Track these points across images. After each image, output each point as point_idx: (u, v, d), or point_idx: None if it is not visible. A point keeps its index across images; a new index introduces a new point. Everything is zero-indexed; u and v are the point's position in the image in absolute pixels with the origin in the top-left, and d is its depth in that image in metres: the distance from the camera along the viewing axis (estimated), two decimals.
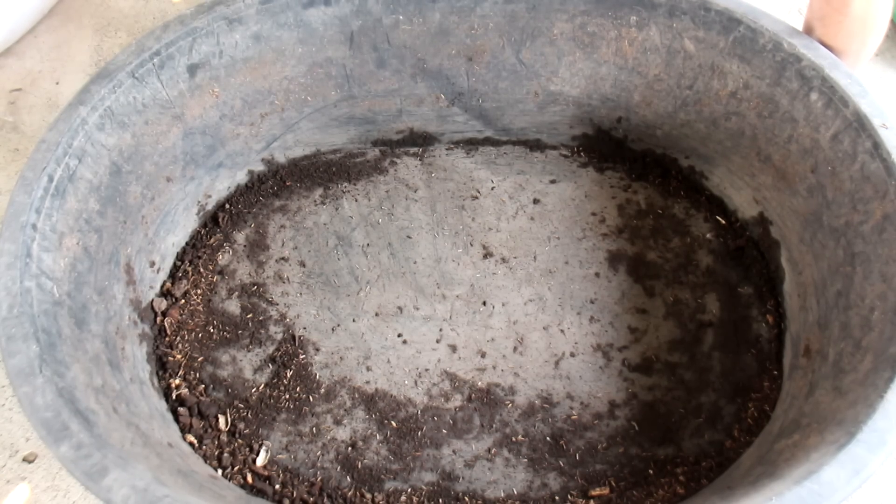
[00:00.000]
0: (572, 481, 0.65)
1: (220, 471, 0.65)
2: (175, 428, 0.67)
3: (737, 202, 0.80)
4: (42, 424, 0.51)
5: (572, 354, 0.73)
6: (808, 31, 0.71)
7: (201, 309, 0.75)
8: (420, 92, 0.85)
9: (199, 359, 0.72)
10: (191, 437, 0.66)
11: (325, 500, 0.64)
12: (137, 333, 0.69)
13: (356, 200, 0.83)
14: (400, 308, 0.76)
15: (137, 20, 1.06)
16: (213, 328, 0.74)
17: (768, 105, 0.72)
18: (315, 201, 0.83)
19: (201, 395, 0.69)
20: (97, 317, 0.64)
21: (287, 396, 0.70)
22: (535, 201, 0.84)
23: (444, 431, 0.68)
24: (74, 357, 0.58)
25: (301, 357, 0.72)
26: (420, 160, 0.87)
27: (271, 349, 0.73)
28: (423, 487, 0.65)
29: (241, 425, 0.68)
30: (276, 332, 0.74)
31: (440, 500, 0.64)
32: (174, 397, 0.69)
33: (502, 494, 0.65)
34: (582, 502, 0.64)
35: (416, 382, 0.71)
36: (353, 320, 0.75)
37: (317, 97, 0.81)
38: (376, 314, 0.75)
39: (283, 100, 0.80)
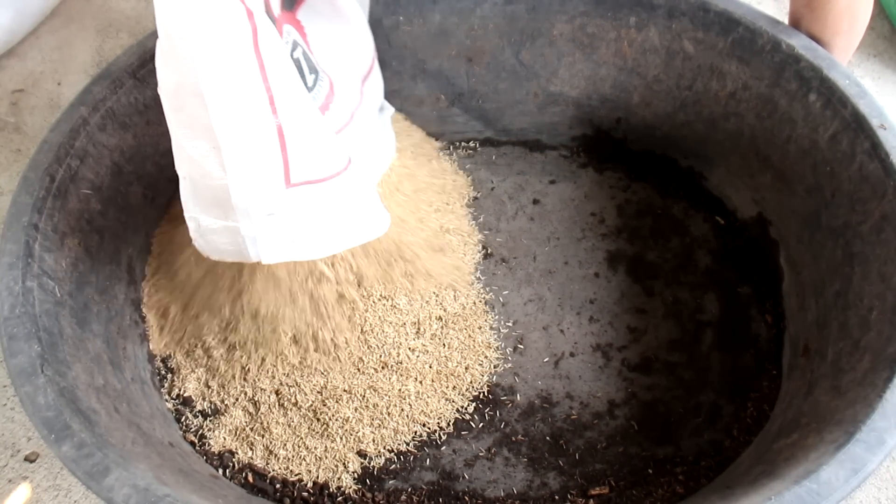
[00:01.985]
0: (572, 480, 0.65)
1: (220, 470, 0.65)
2: (176, 427, 0.67)
3: (736, 202, 0.81)
4: (43, 424, 0.51)
5: (572, 354, 0.73)
6: (796, 21, 0.71)
7: None
8: (420, 92, 0.85)
9: None
10: (191, 437, 0.67)
11: (326, 499, 0.64)
12: (139, 333, 0.69)
13: None
14: None
15: (139, 21, 1.07)
16: None
17: (767, 106, 0.73)
18: None
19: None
20: (98, 316, 0.64)
21: None
22: (535, 201, 0.84)
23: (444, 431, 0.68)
24: (76, 357, 0.58)
25: None
26: None
27: None
28: (423, 487, 0.65)
29: None
30: None
31: (440, 500, 0.64)
32: (175, 396, 0.69)
33: (502, 494, 0.65)
34: (581, 501, 0.64)
35: None
36: None
37: None
38: None
39: None
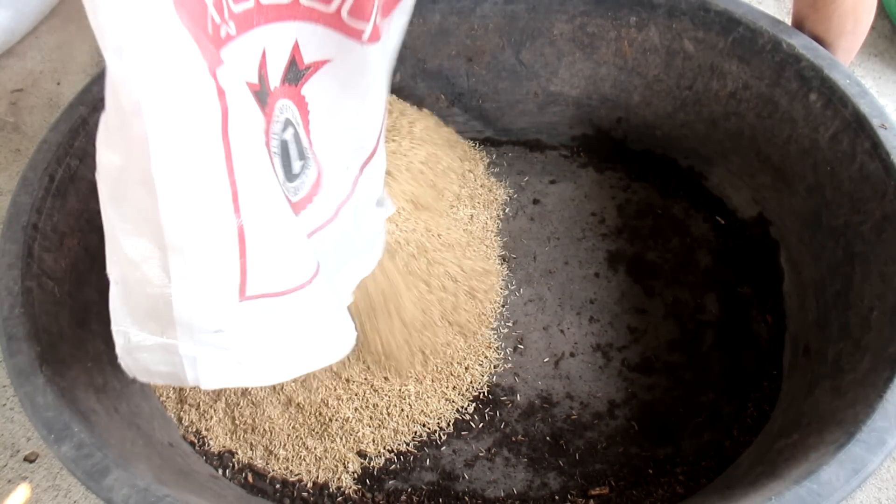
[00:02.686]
0: (572, 481, 0.65)
1: (220, 470, 0.65)
2: (176, 427, 0.67)
3: (736, 202, 0.81)
4: (43, 424, 0.51)
5: (572, 354, 0.73)
6: (799, 21, 0.71)
7: None
8: (420, 92, 0.85)
9: None
10: (191, 437, 0.67)
11: (326, 500, 0.64)
12: None
13: None
14: None
15: None
16: None
17: (767, 105, 0.73)
18: None
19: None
20: (98, 316, 0.64)
21: None
22: (535, 201, 0.84)
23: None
24: (75, 357, 0.58)
25: None
26: None
27: None
28: (423, 487, 0.65)
29: None
30: None
31: (440, 500, 0.64)
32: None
33: (502, 494, 0.65)
34: (581, 501, 0.64)
35: None
36: None
37: None
38: None
39: None
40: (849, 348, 0.60)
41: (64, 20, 1.07)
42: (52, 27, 1.06)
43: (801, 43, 0.69)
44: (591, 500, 0.64)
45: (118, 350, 0.46)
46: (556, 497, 0.64)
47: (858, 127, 0.64)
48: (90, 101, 0.66)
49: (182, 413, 0.67)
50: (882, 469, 0.69)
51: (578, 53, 0.81)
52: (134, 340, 0.45)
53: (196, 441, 0.66)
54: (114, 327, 0.45)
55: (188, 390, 0.68)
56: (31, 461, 0.70)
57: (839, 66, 0.67)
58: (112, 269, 0.43)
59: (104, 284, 0.66)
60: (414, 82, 0.84)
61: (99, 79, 0.67)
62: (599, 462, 0.66)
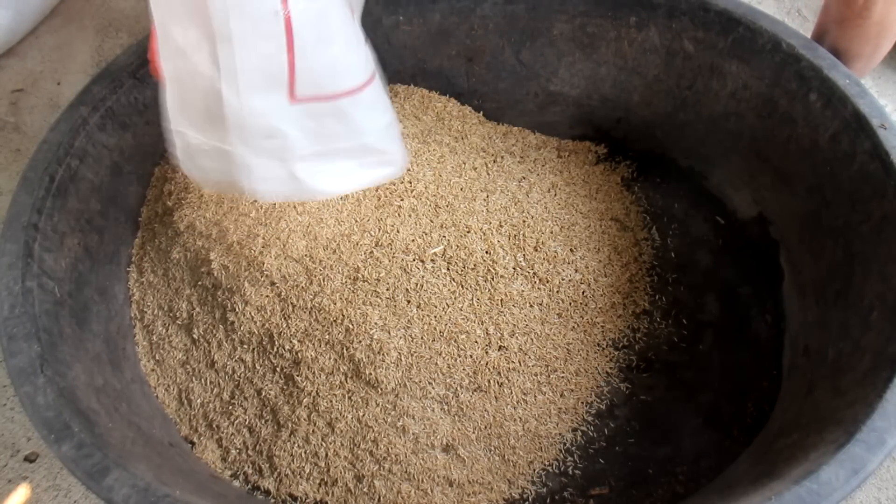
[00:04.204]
0: (572, 480, 0.65)
1: (220, 470, 0.65)
2: (176, 427, 0.67)
3: (736, 202, 0.80)
4: (43, 424, 0.51)
5: None
6: (821, 34, 0.71)
7: None
8: None
9: None
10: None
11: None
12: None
13: None
14: None
15: (138, 21, 1.07)
16: None
17: (767, 105, 0.73)
18: None
19: None
20: (98, 316, 0.64)
21: None
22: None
23: None
24: (76, 357, 0.58)
25: None
26: None
27: None
28: None
29: None
30: None
31: None
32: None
33: None
34: (581, 501, 0.64)
35: None
36: None
37: None
38: None
39: None
40: (849, 348, 0.60)
41: (64, 20, 1.07)
42: (52, 27, 1.06)
43: (800, 43, 0.69)
44: (591, 500, 0.64)
45: (178, 153, 0.45)
46: (556, 497, 0.64)
47: (858, 127, 0.64)
48: (90, 101, 0.66)
49: (182, 413, 0.67)
50: (882, 469, 0.69)
51: (578, 53, 0.81)
52: (192, 143, 0.44)
53: (196, 441, 0.66)
54: (171, 128, 0.44)
55: (188, 390, 0.68)
56: (31, 461, 0.70)
57: (839, 67, 0.67)
58: (165, 65, 0.42)
59: (104, 284, 0.66)
60: (414, 82, 0.84)
61: (99, 79, 0.67)
62: (599, 462, 0.66)
